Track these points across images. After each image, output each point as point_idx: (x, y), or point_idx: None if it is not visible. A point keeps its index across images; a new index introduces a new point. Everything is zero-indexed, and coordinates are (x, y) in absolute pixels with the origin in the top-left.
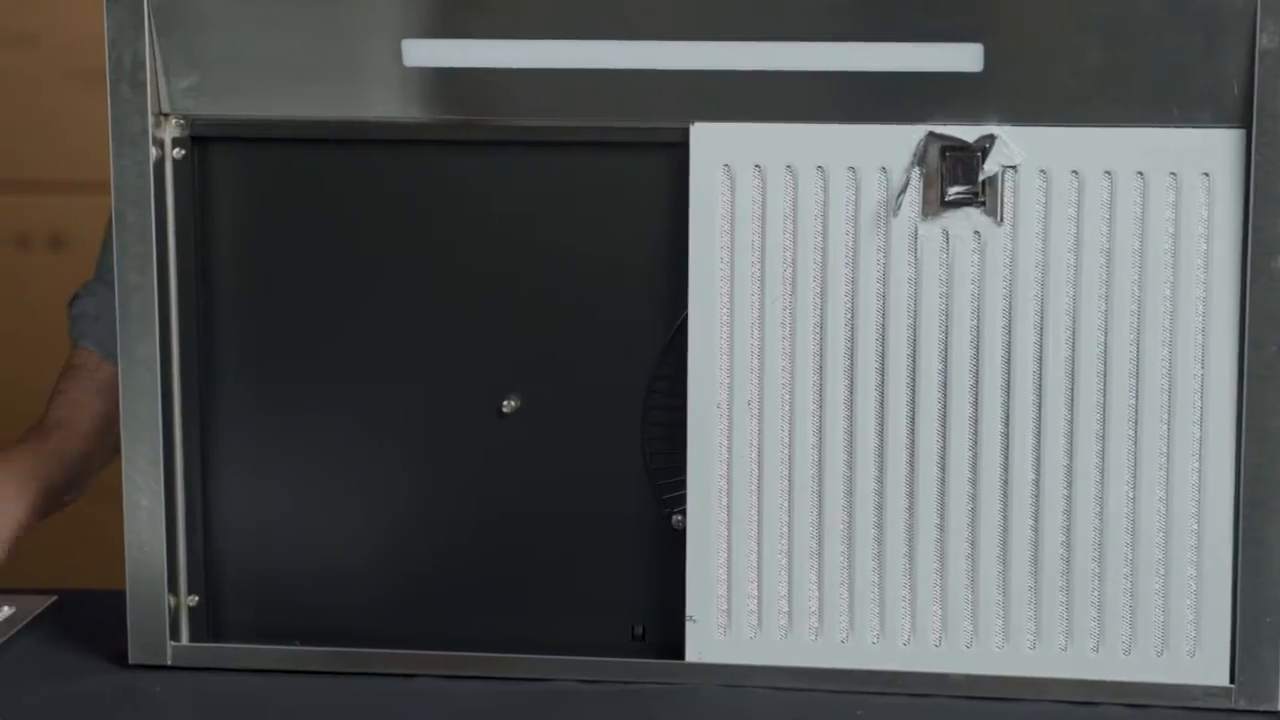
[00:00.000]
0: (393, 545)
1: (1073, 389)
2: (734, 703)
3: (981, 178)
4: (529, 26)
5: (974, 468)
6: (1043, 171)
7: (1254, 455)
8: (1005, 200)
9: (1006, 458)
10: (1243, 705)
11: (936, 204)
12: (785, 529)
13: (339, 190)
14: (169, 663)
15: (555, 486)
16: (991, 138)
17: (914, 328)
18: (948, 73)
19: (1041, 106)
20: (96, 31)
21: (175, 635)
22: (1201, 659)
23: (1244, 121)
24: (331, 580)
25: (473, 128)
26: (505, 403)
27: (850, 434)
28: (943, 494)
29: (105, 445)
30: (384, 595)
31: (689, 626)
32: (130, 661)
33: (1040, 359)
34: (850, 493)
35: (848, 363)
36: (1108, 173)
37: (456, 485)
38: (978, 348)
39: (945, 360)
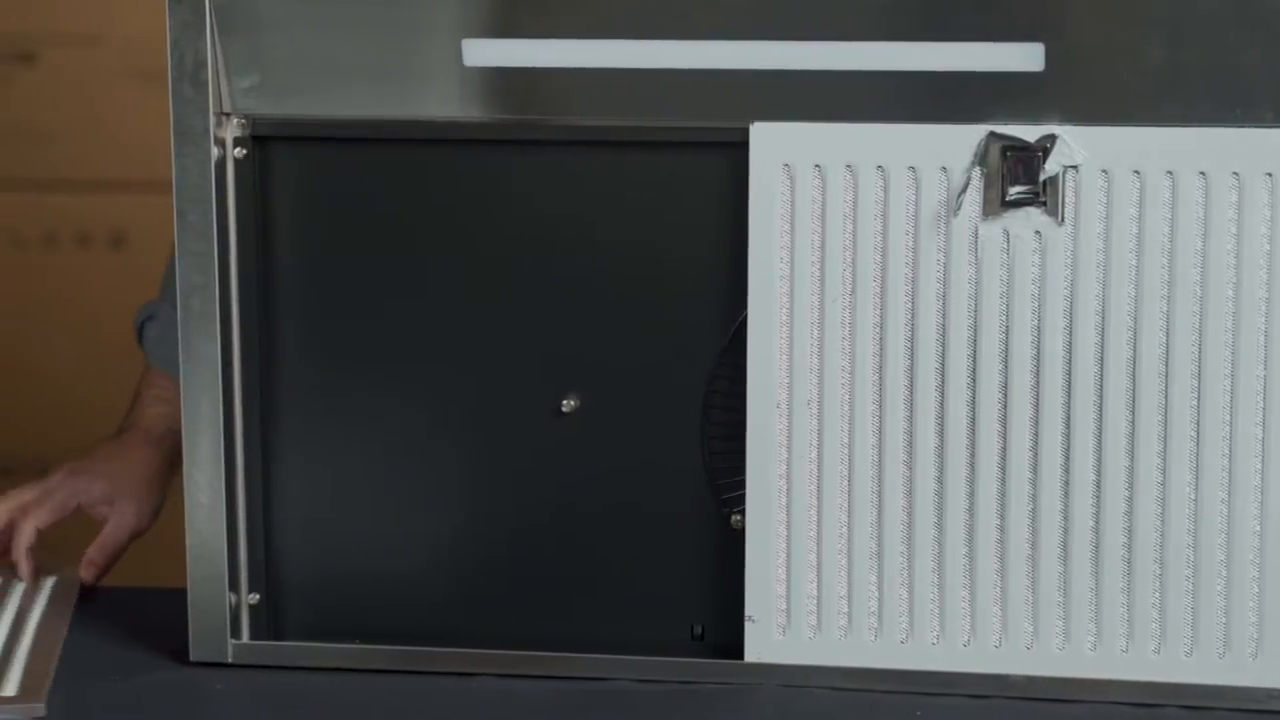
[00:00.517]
0: (452, 544)
1: (1134, 390)
2: (793, 703)
3: (1043, 178)
4: (589, 26)
5: (1034, 468)
6: (1104, 171)
7: None
8: (1066, 200)
9: (1067, 458)
10: None
11: (997, 204)
12: (845, 529)
13: (398, 189)
14: (229, 660)
15: (615, 486)
16: (1053, 137)
17: (974, 328)
18: (1009, 72)
19: (1103, 106)
20: (158, 31)
21: (236, 633)
22: (1264, 661)
23: None
24: (391, 579)
25: (532, 127)
26: (564, 402)
27: (910, 434)
28: (1003, 494)
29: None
30: (443, 594)
31: (748, 626)
32: (191, 659)
33: (1101, 359)
34: (910, 493)
35: (908, 362)
36: (1169, 173)
37: (516, 485)
38: (1038, 348)
39: (1005, 360)
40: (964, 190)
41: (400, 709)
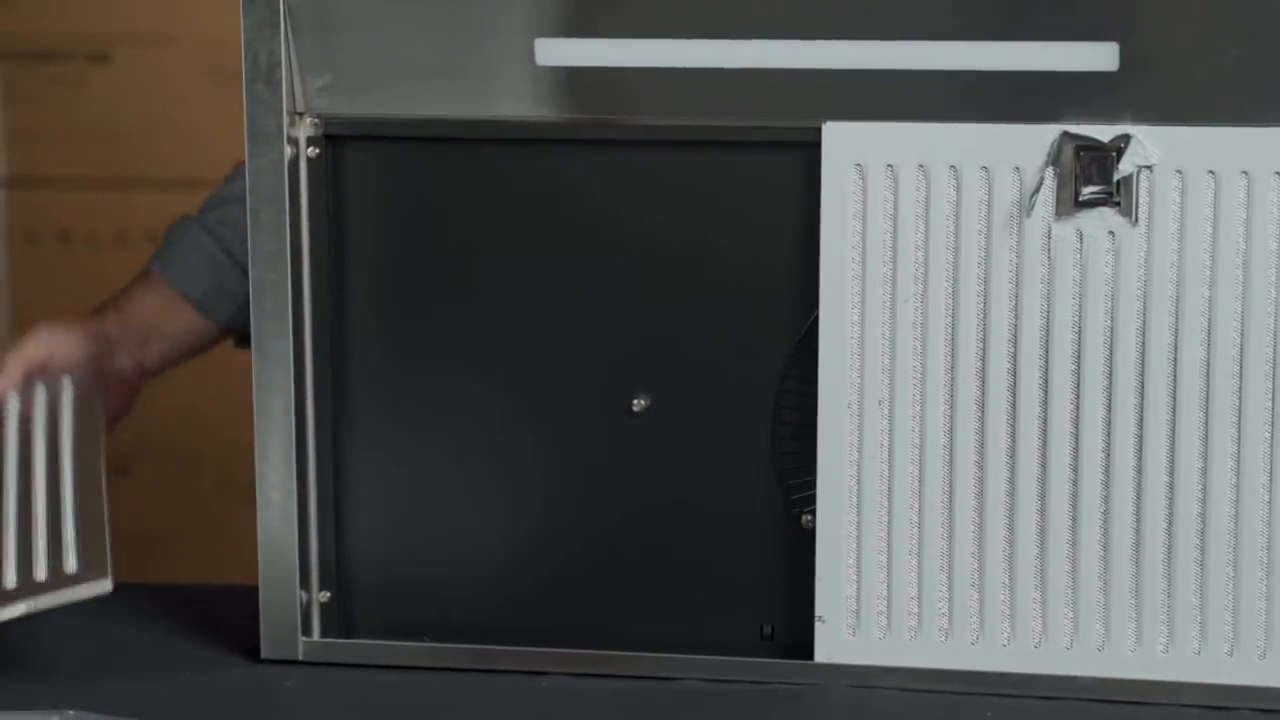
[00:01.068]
0: (523, 543)
1: (1208, 390)
2: (862, 704)
3: (1116, 178)
4: (661, 25)
5: (1107, 469)
6: (1179, 171)
7: None
8: (1140, 200)
9: (1140, 459)
10: None
11: (1070, 204)
12: (915, 529)
13: (471, 188)
14: (300, 658)
15: (685, 485)
16: (1127, 137)
17: (1047, 328)
18: (1083, 72)
19: (1178, 106)
20: (232, 31)
21: (307, 631)
22: None
23: None
24: (461, 577)
25: (604, 127)
26: (635, 401)
27: (981, 434)
28: (1075, 495)
29: (145, 349)
30: (514, 593)
31: (818, 627)
32: (262, 656)
33: (1175, 360)
34: (981, 493)
35: (979, 363)
36: (1244, 173)
37: (586, 484)
38: (1111, 348)
39: (1078, 361)
40: (1037, 190)
41: (469, 707)
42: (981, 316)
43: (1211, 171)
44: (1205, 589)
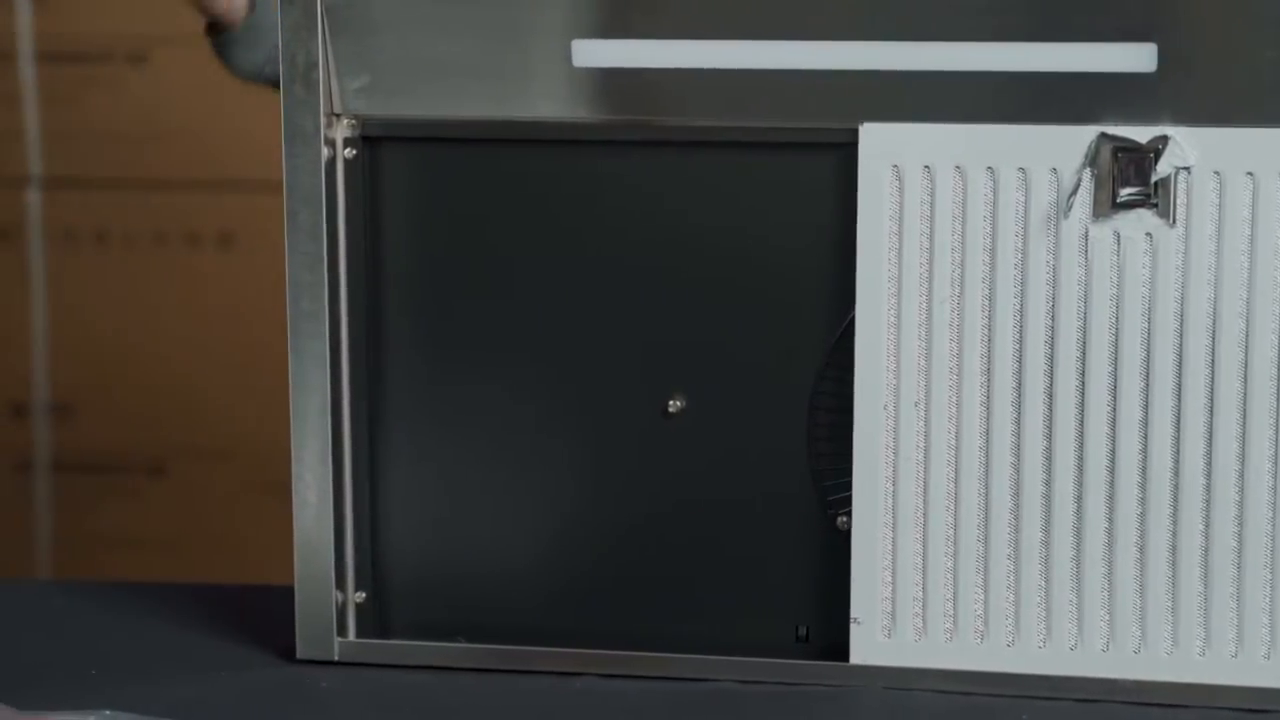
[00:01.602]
0: (558, 543)
1: (1245, 393)
2: (898, 705)
3: (1154, 179)
4: (697, 26)
5: (1143, 471)
6: (1217, 173)
7: None
8: (1178, 202)
9: (1177, 462)
10: None
11: (1108, 205)
12: (951, 531)
13: (507, 189)
14: (335, 658)
15: (720, 486)
16: (1165, 139)
17: (1084, 329)
18: (1120, 73)
19: (1216, 107)
20: None
21: (342, 631)
22: None
23: None
24: (497, 578)
25: (640, 128)
26: (671, 402)
27: (1018, 436)
28: (1111, 498)
29: None
30: (549, 593)
31: (853, 628)
32: (298, 656)
33: (1213, 362)
34: (1017, 495)
35: (1016, 365)
36: None
37: (622, 484)
38: (1149, 350)
39: (1115, 363)
40: (1074, 192)
41: (503, 708)
42: (1018, 318)
43: (1250, 173)
44: (1242, 592)
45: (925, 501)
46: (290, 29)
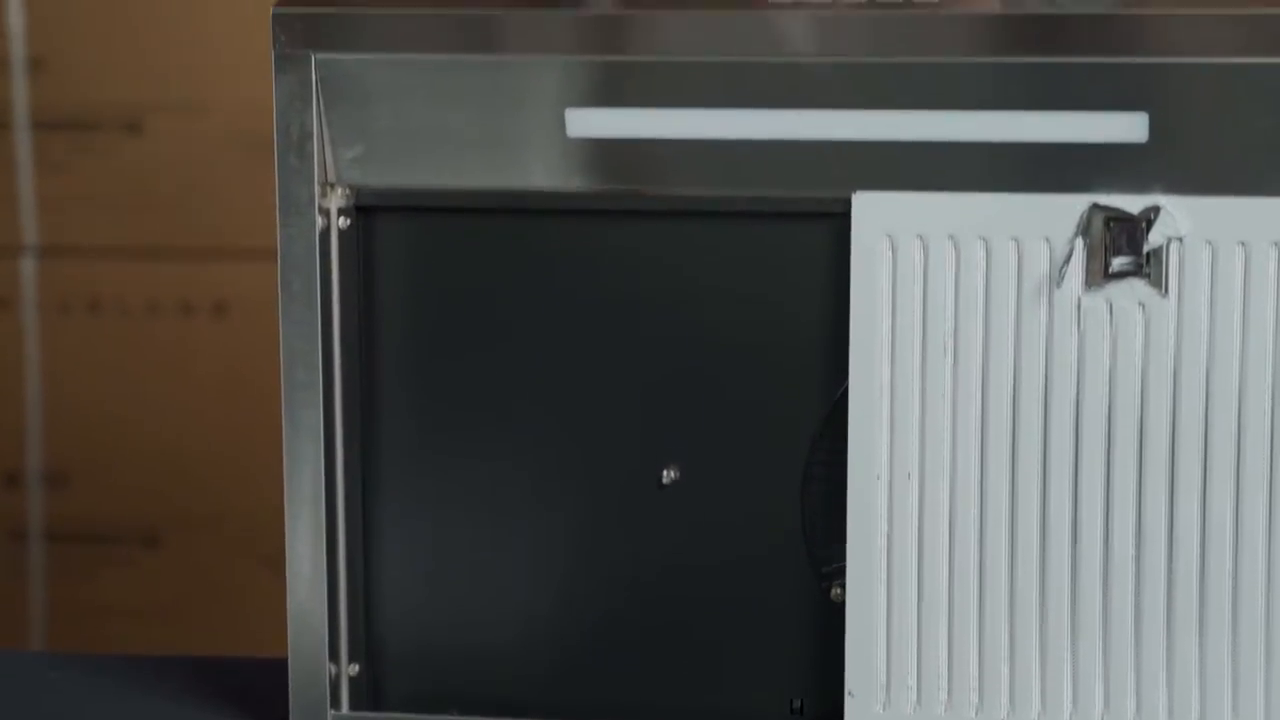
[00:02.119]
0: (552, 616)
1: (1239, 464)
2: None
3: (1146, 249)
4: (691, 96)
5: (1137, 540)
6: (1209, 242)
7: None
8: (1171, 272)
9: (1171, 531)
10: None
11: (1100, 275)
12: (946, 603)
13: (501, 259)
14: None
15: (714, 557)
16: (1157, 208)
17: (1078, 400)
18: (1112, 143)
19: (1208, 177)
20: (263, 99)
21: (335, 704)
22: None
23: None
24: (490, 650)
25: (635, 197)
26: (665, 473)
27: (1012, 506)
28: (1106, 569)
29: None
30: (543, 665)
31: (848, 701)
32: None
33: (1206, 433)
34: (1013, 567)
35: (1010, 435)
36: (1275, 244)
37: (615, 556)
38: (1142, 420)
39: (1109, 433)
40: (1067, 261)
41: None
42: (1013, 388)
43: (1242, 243)
44: (1237, 666)
45: (920, 573)
46: (285, 99)
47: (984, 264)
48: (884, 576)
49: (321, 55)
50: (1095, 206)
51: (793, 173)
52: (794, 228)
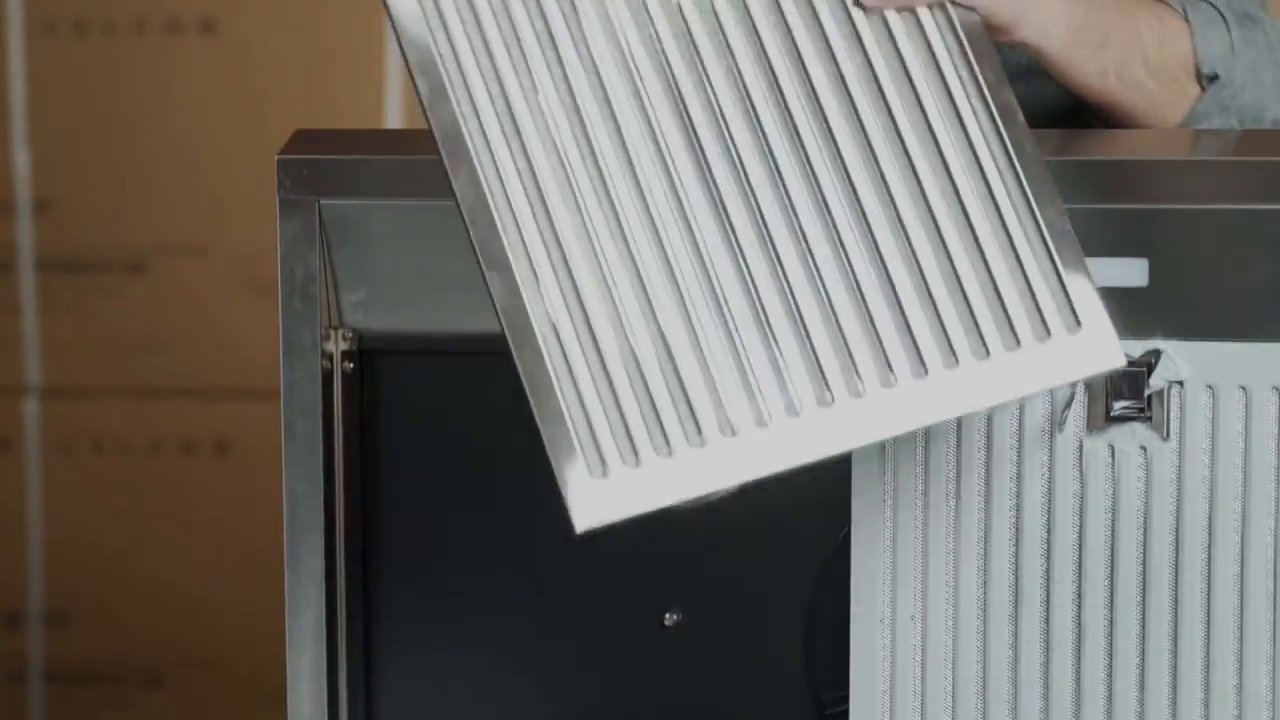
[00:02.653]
0: None
1: (1241, 607)
2: None
3: (1147, 393)
4: None
5: (1141, 685)
6: (1209, 387)
7: None
8: (1172, 416)
9: (1174, 676)
10: None
11: (1102, 419)
12: None
13: (504, 403)
14: None
15: (716, 700)
16: (1157, 352)
17: (1079, 542)
18: (1112, 287)
19: (1208, 321)
20: (267, 240)
21: None
22: None
23: None
24: None
25: None
26: (667, 615)
27: (1014, 649)
28: (1109, 711)
29: None
30: None
31: None
32: None
33: (1209, 576)
34: (1015, 710)
35: (1012, 578)
36: (1276, 388)
37: (619, 698)
38: (1144, 563)
39: (1111, 576)
40: (1068, 405)
41: None
42: (1014, 531)
43: (1243, 387)
44: None
45: (923, 714)
46: (289, 243)
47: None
48: (888, 718)
49: (326, 200)
50: None
51: None
52: None
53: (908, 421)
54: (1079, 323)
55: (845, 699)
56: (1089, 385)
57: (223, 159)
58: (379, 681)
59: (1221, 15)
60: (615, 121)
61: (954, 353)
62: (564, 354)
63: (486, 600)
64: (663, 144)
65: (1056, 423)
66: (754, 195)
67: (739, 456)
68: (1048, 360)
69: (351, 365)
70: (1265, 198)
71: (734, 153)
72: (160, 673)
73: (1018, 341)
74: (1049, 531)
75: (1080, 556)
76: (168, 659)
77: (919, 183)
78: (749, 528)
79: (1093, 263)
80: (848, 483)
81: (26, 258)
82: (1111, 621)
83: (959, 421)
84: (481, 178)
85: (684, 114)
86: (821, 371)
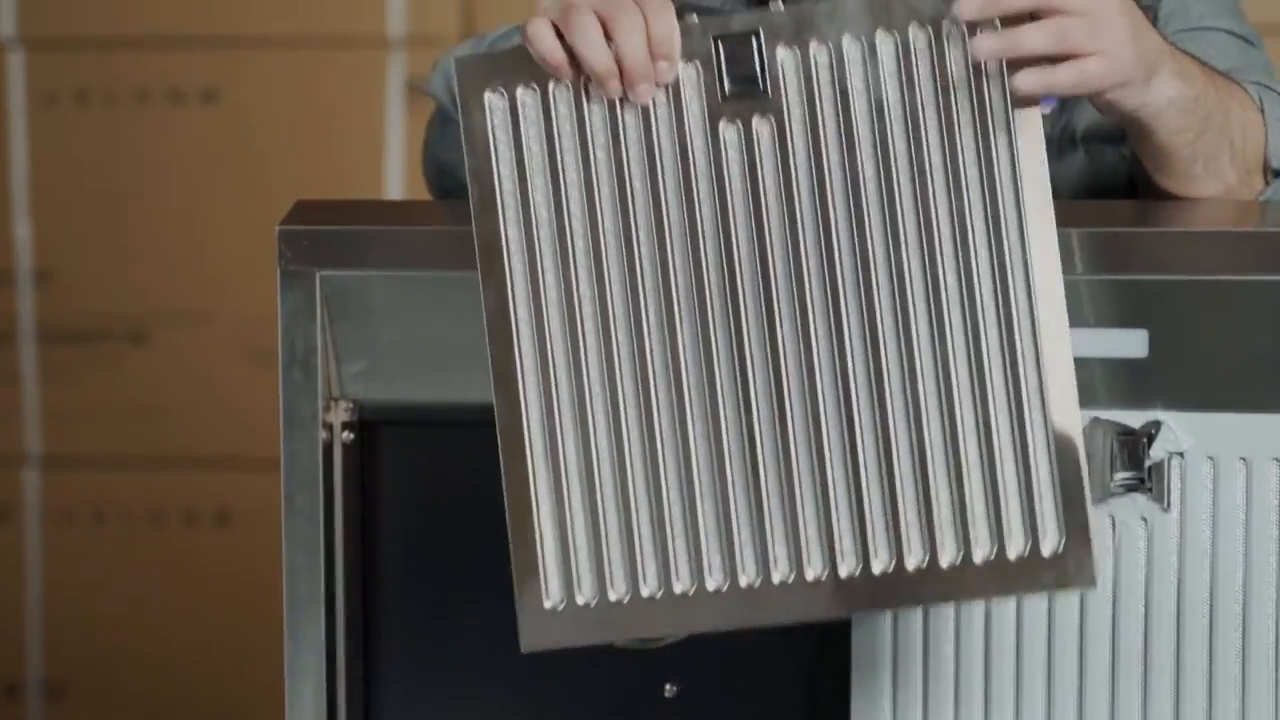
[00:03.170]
0: None
1: (1244, 678)
2: None
3: (1148, 464)
4: None
5: None
6: (1210, 458)
7: None
8: (1172, 487)
9: None
10: None
11: (1103, 491)
12: None
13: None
14: None
15: None
16: (1158, 423)
17: (1082, 619)
18: (1113, 359)
19: (1208, 392)
20: (267, 310)
21: None
22: None
23: None
24: None
25: None
26: (666, 687)
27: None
28: None
29: None
30: None
31: None
32: None
33: (1211, 646)
34: None
35: (1014, 653)
36: (1276, 460)
37: None
38: (1146, 635)
39: (1114, 648)
40: None
41: None
42: (1017, 603)
43: (1243, 458)
44: None
45: None
46: (289, 314)
47: None
48: None
49: (325, 272)
50: (1096, 421)
51: None
52: None
53: (866, 604)
54: (1065, 545)
55: None
56: (1090, 457)
57: (224, 229)
58: None
59: None
60: (661, 272)
61: (935, 549)
62: (551, 483)
63: (486, 672)
64: (701, 303)
65: None
66: (785, 382)
67: (685, 611)
68: (1024, 570)
69: (351, 436)
70: (1264, 268)
71: (765, 324)
72: None
73: (1003, 551)
74: (1049, 600)
75: (1081, 627)
76: None
77: (950, 376)
78: None
79: (1093, 333)
80: None
81: (27, 328)
82: (1114, 690)
83: None
84: (509, 295)
85: (731, 280)
86: (771, 549)
